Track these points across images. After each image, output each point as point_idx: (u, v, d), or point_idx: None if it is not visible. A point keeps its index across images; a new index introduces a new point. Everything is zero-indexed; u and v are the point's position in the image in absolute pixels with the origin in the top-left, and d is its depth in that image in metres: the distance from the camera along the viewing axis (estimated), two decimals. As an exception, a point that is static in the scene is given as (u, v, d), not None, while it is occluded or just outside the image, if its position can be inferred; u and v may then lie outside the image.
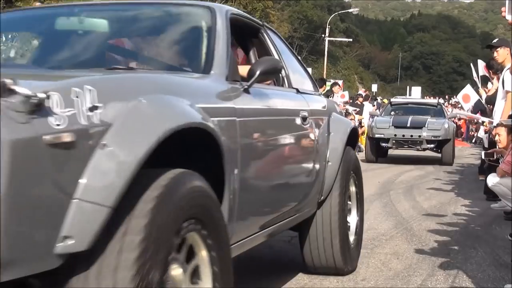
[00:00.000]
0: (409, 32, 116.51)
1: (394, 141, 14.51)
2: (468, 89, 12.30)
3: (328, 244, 3.96)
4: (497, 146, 6.78)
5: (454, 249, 5.17)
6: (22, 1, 44.46)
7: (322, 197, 3.91)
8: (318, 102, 4.15)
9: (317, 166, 3.78)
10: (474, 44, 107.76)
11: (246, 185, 2.66)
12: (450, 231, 6.03)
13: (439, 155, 14.60)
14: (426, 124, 14.50)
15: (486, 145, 9.11)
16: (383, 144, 14.60)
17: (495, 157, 6.94)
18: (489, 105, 8.84)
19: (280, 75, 3.64)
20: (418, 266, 4.54)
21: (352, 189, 4.39)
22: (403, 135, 14.40)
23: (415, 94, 40.85)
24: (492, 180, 6.58)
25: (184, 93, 2.25)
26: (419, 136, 14.33)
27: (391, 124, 14.62)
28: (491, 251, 5.08)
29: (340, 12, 65.74)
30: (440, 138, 14.19)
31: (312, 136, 3.70)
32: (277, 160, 3.22)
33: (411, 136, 14.38)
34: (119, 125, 1.75)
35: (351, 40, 61.89)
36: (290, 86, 3.76)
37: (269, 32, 3.82)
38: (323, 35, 52.66)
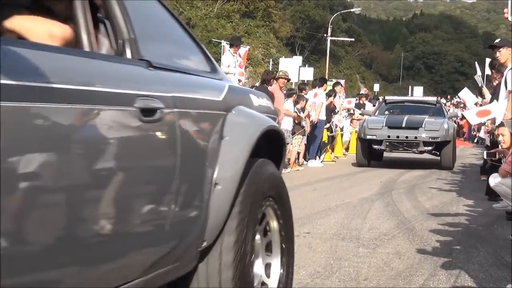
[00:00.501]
0: (411, 32, 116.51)
1: (387, 143, 13.14)
2: (465, 91, 11.99)
3: None
4: (499, 146, 6.78)
5: (456, 249, 5.17)
6: None
7: (204, 243, 2.48)
8: (201, 87, 2.68)
9: (188, 192, 2.38)
10: (476, 44, 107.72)
11: None
12: (452, 231, 6.03)
13: (439, 158, 13.41)
14: (423, 124, 13.12)
15: (488, 144, 9.09)
16: (376, 147, 13.31)
17: (497, 157, 6.95)
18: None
19: (120, 40, 2.25)
20: (420, 266, 4.54)
21: (273, 225, 2.92)
22: (398, 137, 13.05)
23: (417, 94, 40.95)
24: (494, 180, 6.58)
25: None
26: (415, 137, 12.96)
27: (384, 125, 13.29)
28: (493, 251, 5.07)
29: (342, 11, 65.71)
30: (439, 140, 12.88)
31: (168, 141, 2.27)
32: (55, 186, 1.70)
33: (406, 137, 13.03)
34: None
35: (353, 39, 61.89)
36: (136, 56, 2.28)
37: None
38: (325, 35, 52.63)
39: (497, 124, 7.10)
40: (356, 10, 68.71)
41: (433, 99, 16.94)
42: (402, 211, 7.16)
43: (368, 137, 13.11)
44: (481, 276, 4.27)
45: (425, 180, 10.92)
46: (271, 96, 10.38)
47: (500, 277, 4.24)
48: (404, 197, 8.52)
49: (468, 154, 18.43)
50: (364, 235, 5.68)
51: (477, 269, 4.47)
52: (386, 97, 16.80)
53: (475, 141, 24.26)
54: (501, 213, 6.96)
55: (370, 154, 13.61)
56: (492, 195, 7.59)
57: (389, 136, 13.04)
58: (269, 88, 10.66)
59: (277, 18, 59.38)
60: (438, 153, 13.29)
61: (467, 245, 5.30)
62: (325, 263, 4.56)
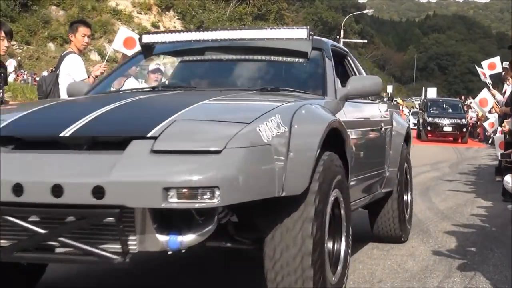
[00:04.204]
0: (424, 32, 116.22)
1: None
2: (484, 93, 11.28)
3: None
4: (513, 147, 6.74)
5: (471, 250, 5.15)
6: (38, 5, 45.05)
7: None
8: None
9: None
10: (489, 45, 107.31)
11: None
12: (466, 232, 6.00)
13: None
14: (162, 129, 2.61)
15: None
16: None
17: (511, 158, 6.91)
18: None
19: None
20: (435, 268, 4.53)
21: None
22: None
23: (431, 94, 40.78)
24: (508, 180, 6.54)
25: None
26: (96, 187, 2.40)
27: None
28: (508, 253, 5.04)
29: (354, 13, 65.65)
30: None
31: None
32: None
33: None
34: None
35: (366, 41, 61.86)
36: None
37: None
38: (337, 37, 52.65)
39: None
40: (368, 11, 68.69)
41: (304, 33, 4.15)
42: (416, 213, 7.13)
43: None
44: (496, 278, 4.25)
45: (439, 181, 10.87)
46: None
47: (516, 279, 4.23)
48: (419, 198, 8.48)
49: (483, 155, 18.34)
50: (378, 237, 5.66)
51: (492, 270, 4.45)
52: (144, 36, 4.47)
53: (490, 141, 24.10)
54: (516, 214, 6.93)
55: None
56: (508, 196, 7.55)
57: None
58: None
59: (289, 20, 59.38)
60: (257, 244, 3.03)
61: (482, 247, 5.28)
62: (339, 265, 4.55)
